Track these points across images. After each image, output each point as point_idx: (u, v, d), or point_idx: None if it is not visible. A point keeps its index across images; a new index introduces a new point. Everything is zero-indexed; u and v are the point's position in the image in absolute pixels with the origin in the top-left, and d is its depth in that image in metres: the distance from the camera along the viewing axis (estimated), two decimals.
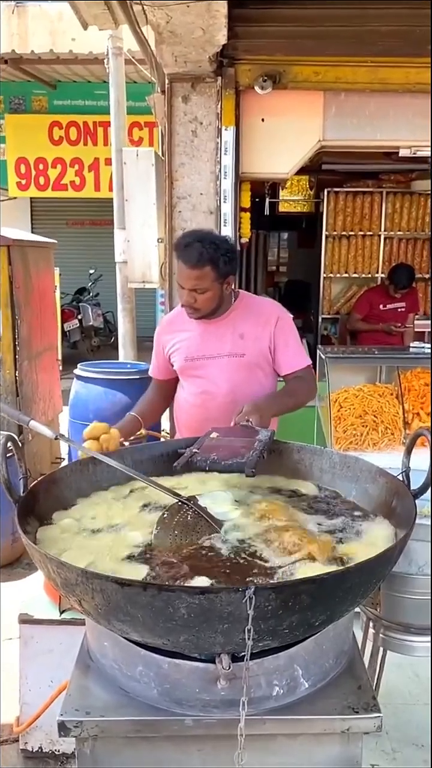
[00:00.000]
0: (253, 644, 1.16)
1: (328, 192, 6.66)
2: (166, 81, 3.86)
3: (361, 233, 6.73)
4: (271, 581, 1.33)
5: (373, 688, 2.17)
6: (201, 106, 3.88)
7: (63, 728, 1.31)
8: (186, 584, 1.31)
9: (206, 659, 1.28)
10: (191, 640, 1.18)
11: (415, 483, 1.56)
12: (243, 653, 1.17)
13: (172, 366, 2.44)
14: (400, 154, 4.31)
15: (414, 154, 4.21)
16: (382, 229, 6.71)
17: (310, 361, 2.42)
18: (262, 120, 3.97)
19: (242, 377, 2.34)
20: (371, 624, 2.13)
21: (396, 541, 1.43)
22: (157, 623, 1.17)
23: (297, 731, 1.35)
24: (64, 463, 4.71)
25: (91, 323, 10.92)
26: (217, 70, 3.77)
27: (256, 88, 3.75)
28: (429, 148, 4.03)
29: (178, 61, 3.65)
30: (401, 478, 1.62)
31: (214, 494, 1.73)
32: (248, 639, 1.14)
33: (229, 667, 1.21)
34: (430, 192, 6.49)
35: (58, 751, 2.46)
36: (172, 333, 2.44)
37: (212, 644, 1.19)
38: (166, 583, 1.32)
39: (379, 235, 6.73)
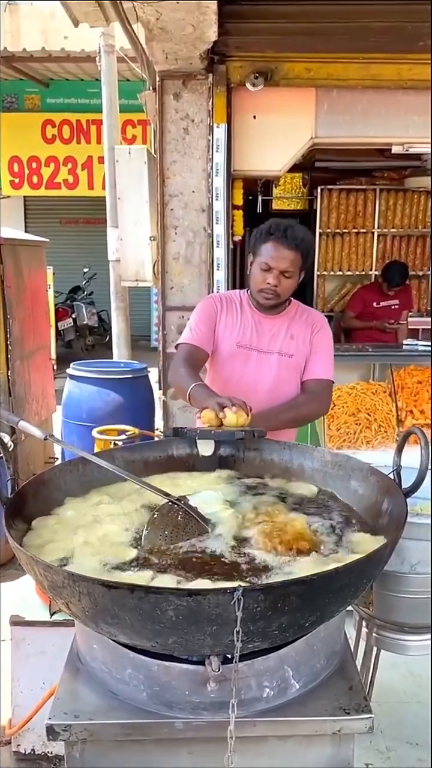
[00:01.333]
0: (243, 646, 1.14)
1: (322, 189, 6.64)
2: (157, 78, 3.84)
3: (355, 231, 6.72)
4: (261, 582, 1.31)
5: (367, 687, 2.17)
6: (192, 104, 3.86)
7: (51, 732, 1.30)
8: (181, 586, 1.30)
9: (196, 661, 1.27)
10: (180, 642, 1.17)
11: (407, 481, 1.55)
12: (233, 655, 1.16)
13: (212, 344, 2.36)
14: (392, 151, 4.29)
15: (407, 151, 4.19)
16: (376, 226, 6.70)
17: (332, 378, 2.39)
18: (254, 117, 3.95)
19: (286, 377, 2.35)
20: (364, 623, 2.12)
21: (387, 540, 1.42)
22: (145, 626, 1.15)
23: (288, 733, 1.34)
24: (58, 462, 4.69)
25: (85, 322, 10.90)
26: (208, 67, 3.76)
27: (248, 85, 3.74)
28: (421, 145, 4.03)
29: (169, 58, 3.63)
30: (392, 477, 1.61)
31: (205, 494, 1.71)
32: (237, 641, 1.12)
33: (219, 669, 1.20)
34: (428, 190, 6.48)
35: (51, 753, 2.44)
36: (227, 310, 2.38)
37: (201, 646, 1.18)
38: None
39: (373, 233, 6.72)
